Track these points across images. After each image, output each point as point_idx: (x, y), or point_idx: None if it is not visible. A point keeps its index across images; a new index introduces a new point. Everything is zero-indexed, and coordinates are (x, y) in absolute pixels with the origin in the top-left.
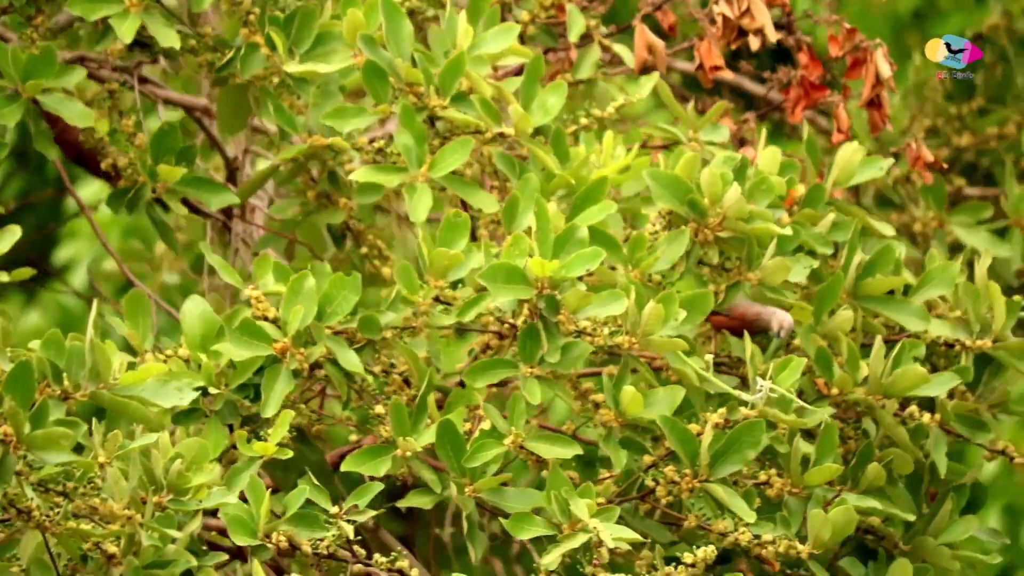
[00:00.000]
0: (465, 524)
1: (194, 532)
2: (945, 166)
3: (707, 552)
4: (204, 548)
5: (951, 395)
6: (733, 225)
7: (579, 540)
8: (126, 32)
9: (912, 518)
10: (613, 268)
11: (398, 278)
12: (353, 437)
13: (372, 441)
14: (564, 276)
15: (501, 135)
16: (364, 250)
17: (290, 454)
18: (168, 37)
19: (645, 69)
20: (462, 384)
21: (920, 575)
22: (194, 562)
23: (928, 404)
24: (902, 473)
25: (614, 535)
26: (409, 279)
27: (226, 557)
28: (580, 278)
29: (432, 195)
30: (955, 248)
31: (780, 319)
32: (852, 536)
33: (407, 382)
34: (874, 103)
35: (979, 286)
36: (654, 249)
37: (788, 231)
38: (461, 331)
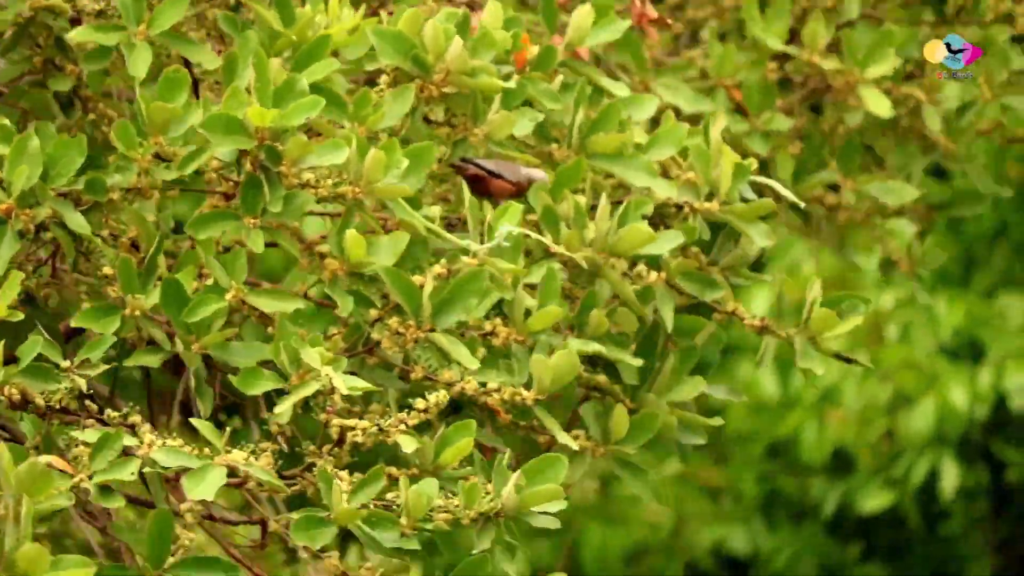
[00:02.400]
0: (192, 380)
1: None
2: (670, 23)
3: (439, 397)
4: None
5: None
6: (457, 80)
7: (311, 388)
8: None
9: (638, 362)
10: (341, 127)
11: (116, 135)
12: (85, 305)
13: None
14: (284, 124)
15: None
16: (92, 117)
17: (21, 316)
18: None
19: None
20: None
21: (643, 422)
22: None
23: (658, 266)
24: (628, 331)
25: (348, 384)
26: (127, 136)
27: None
28: (305, 130)
29: (152, 53)
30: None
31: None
32: (580, 393)
33: (135, 246)
34: None
35: (713, 149)
36: (380, 106)
37: (511, 84)
38: (187, 192)
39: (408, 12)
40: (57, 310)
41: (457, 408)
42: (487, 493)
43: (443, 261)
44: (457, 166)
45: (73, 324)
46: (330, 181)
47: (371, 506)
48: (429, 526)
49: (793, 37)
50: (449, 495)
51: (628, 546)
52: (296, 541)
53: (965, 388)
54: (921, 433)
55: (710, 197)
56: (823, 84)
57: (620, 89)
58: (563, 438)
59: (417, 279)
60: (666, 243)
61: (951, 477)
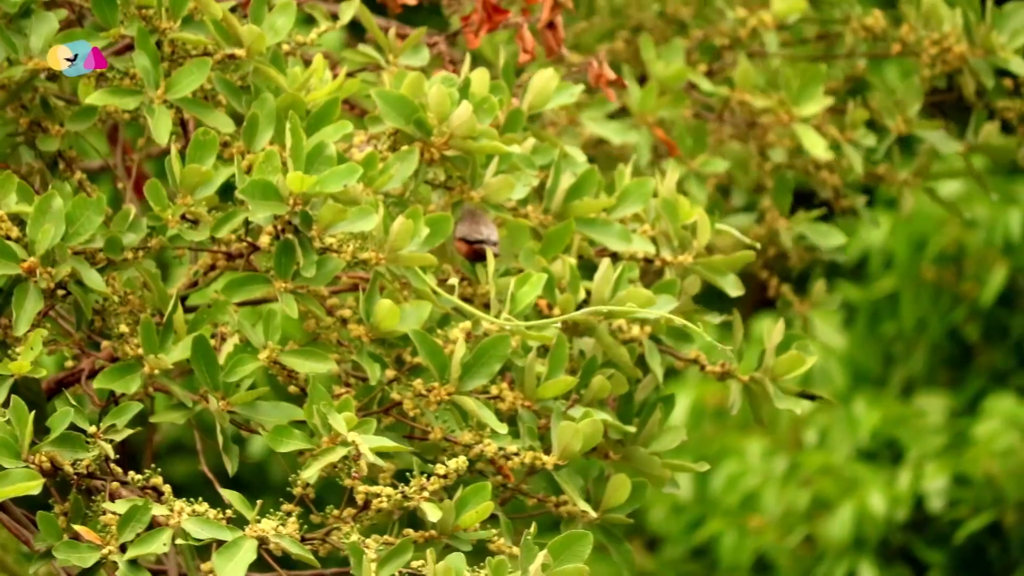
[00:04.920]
0: (220, 439)
1: None
2: (626, 84)
3: (459, 463)
4: None
5: None
6: (459, 144)
7: (339, 453)
8: None
9: (633, 430)
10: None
11: (148, 195)
12: (69, 363)
13: (89, 365)
14: (320, 191)
15: (232, 56)
16: (78, 176)
17: (45, 372)
18: None
19: None
20: (184, 305)
21: (637, 489)
22: None
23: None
24: (618, 393)
25: (373, 446)
26: (159, 196)
27: None
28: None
29: (171, 117)
30: (591, 144)
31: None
32: None
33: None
34: (552, 26)
35: (670, 200)
36: (387, 168)
37: (516, 148)
38: (195, 251)
39: (411, 76)
40: None
41: None
42: (512, 570)
43: (464, 325)
44: (469, 243)
45: (96, 385)
46: (351, 246)
47: None
48: None
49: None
50: (474, 568)
51: None
52: None
53: (883, 491)
54: (839, 538)
55: (681, 250)
56: (744, 122)
57: (580, 155)
58: (582, 505)
59: (439, 341)
60: (663, 306)
61: None
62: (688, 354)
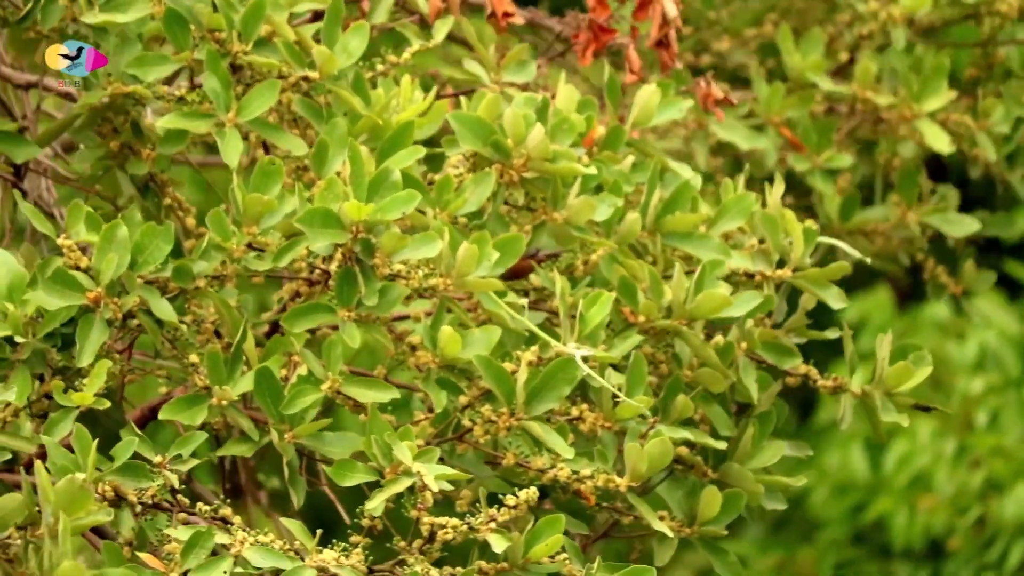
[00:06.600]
0: (286, 471)
1: None
2: (735, 102)
3: (529, 493)
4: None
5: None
6: (538, 165)
7: (403, 484)
8: None
9: (722, 447)
10: (422, 212)
11: (210, 225)
12: (163, 390)
13: (183, 393)
14: (380, 219)
15: (306, 78)
16: (168, 201)
17: (108, 404)
18: None
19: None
20: (278, 331)
21: (731, 501)
22: None
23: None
24: (715, 391)
25: (437, 476)
26: (221, 226)
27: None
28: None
29: (241, 139)
30: (718, 150)
31: None
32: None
33: (218, 333)
34: (662, 43)
35: (774, 214)
36: (461, 191)
37: (592, 170)
38: (271, 279)
39: (488, 98)
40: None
41: (543, 493)
42: None
43: (534, 349)
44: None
45: (161, 416)
46: (420, 272)
47: None
48: None
49: (837, 69)
50: None
51: None
52: None
53: None
54: (1015, 518)
55: (781, 264)
56: (872, 117)
57: (684, 170)
58: (658, 525)
59: (508, 366)
60: (743, 305)
61: None
62: (796, 369)
